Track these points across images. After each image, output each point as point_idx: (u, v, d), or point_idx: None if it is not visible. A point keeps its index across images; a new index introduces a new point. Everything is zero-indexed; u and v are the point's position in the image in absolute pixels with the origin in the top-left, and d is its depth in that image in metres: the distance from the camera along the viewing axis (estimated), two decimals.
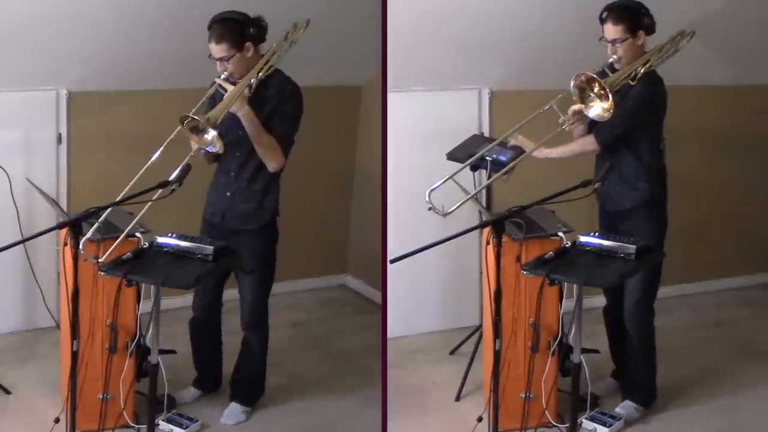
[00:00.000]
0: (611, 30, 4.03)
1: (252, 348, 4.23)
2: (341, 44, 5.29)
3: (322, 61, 5.29)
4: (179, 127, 3.73)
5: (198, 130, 3.74)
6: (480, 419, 4.01)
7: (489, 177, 4.39)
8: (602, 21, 4.05)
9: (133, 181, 3.66)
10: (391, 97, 4.56)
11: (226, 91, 3.87)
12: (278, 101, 3.96)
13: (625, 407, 4.24)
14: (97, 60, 4.84)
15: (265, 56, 3.97)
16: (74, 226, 3.58)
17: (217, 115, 3.74)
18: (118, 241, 3.70)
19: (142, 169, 3.69)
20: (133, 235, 3.89)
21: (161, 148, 3.74)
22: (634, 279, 4.09)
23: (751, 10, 5.19)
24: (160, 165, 3.76)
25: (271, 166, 3.98)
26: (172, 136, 3.76)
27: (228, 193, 4.06)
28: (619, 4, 4.05)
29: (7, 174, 4.59)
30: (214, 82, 3.95)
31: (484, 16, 4.74)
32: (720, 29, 5.18)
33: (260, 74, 3.92)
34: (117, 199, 3.60)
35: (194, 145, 3.83)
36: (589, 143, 4.15)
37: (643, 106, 4.04)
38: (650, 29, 4.07)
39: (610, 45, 4.04)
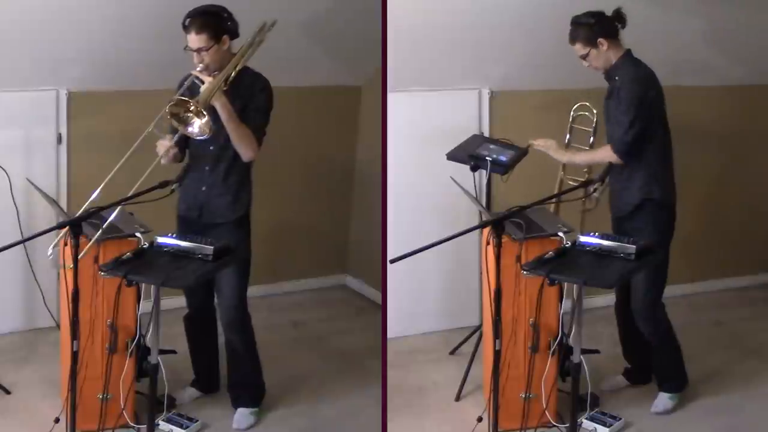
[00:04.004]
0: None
1: (238, 351, 4.22)
2: (341, 44, 5.29)
3: (322, 61, 5.29)
4: (157, 117, 3.77)
5: (180, 119, 3.77)
6: (480, 419, 4.01)
7: (489, 177, 4.41)
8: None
9: (107, 178, 3.69)
10: (391, 97, 4.56)
11: (202, 82, 3.91)
12: (251, 94, 4.01)
13: (661, 401, 4.28)
14: (98, 60, 4.84)
15: (241, 50, 4.02)
16: (74, 226, 3.58)
17: (205, 99, 3.79)
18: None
19: (116, 166, 3.73)
20: (133, 235, 3.90)
21: (135, 144, 3.78)
22: (636, 279, 4.11)
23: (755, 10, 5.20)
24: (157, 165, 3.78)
25: (247, 155, 4.00)
26: (149, 129, 3.79)
27: (203, 188, 4.07)
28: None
29: (7, 174, 4.59)
30: (189, 75, 3.98)
31: (484, 16, 4.74)
32: (723, 29, 5.19)
33: (237, 67, 3.96)
34: (90, 198, 3.63)
35: (162, 146, 3.87)
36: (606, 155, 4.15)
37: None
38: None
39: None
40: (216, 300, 4.23)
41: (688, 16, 5.02)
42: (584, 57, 4.14)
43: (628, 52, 4.13)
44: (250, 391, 4.27)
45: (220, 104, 3.88)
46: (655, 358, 4.34)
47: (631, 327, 4.31)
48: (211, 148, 4.03)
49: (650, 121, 4.07)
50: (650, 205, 4.12)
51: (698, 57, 5.24)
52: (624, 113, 4.03)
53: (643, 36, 4.29)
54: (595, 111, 4.54)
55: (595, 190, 4.11)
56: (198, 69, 3.94)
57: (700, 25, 5.12)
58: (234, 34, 4.01)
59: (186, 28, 3.94)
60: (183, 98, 3.77)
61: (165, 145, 3.93)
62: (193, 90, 3.95)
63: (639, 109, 4.03)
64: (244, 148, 3.98)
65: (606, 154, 4.13)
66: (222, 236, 3.89)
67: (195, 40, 3.92)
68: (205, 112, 3.75)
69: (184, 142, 4.05)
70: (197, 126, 3.77)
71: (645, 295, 4.16)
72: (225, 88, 3.92)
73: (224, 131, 3.93)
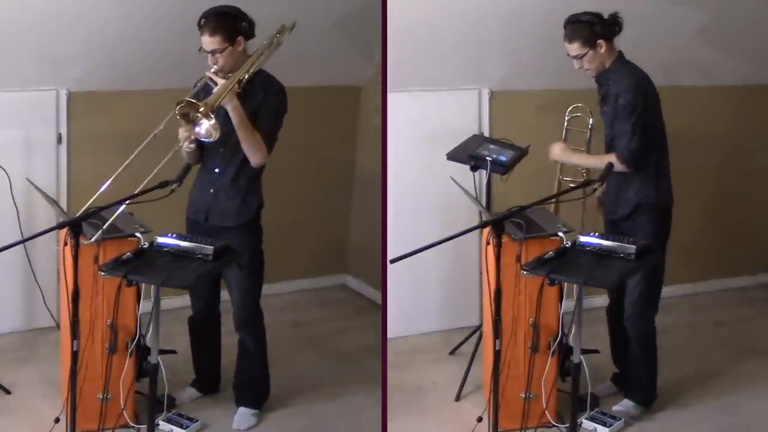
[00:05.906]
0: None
1: (249, 350, 4.22)
2: (341, 44, 5.29)
3: (322, 61, 5.29)
4: (168, 117, 3.74)
5: (189, 120, 3.75)
6: (480, 419, 4.01)
7: (489, 177, 4.41)
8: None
9: (111, 179, 3.70)
10: (391, 97, 4.56)
11: (215, 84, 3.89)
12: (263, 97, 3.98)
13: (624, 406, 4.24)
14: (97, 59, 4.84)
15: (256, 52, 3.99)
16: (74, 226, 3.58)
17: (213, 102, 3.76)
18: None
19: (121, 167, 3.73)
20: (133, 235, 3.90)
21: (146, 141, 3.76)
22: (633, 278, 4.10)
23: (757, 9, 5.21)
24: (155, 164, 3.78)
25: (255, 159, 3.96)
26: (160, 127, 3.77)
27: (211, 190, 4.06)
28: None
29: (7, 174, 4.59)
30: (204, 76, 3.96)
31: (484, 16, 4.74)
32: (725, 29, 5.19)
33: (250, 70, 3.93)
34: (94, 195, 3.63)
35: (182, 134, 3.85)
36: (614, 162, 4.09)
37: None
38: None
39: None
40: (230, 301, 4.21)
41: (687, 15, 5.03)
42: (579, 57, 4.09)
43: (621, 56, 4.11)
44: (254, 391, 4.26)
45: (231, 106, 3.85)
46: (629, 366, 4.29)
47: (622, 331, 4.29)
48: (221, 150, 4.01)
49: (649, 127, 4.06)
50: (646, 208, 4.11)
51: (697, 57, 5.24)
52: (626, 121, 4.02)
53: (642, 36, 4.29)
54: (590, 112, 4.52)
55: (595, 190, 4.10)
56: (212, 70, 3.91)
57: (700, 24, 5.11)
58: (249, 35, 3.97)
59: (200, 30, 3.91)
60: (191, 100, 3.74)
61: (184, 133, 3.85)
62: (206, 91, 3.93)
63: (640, 116, 4.01)
64: (252, 152, 3.94)
65: (614, 161, 4.07)
66: (229, 241, 3.88)
67: (209, 42, 3.89)
68: (212, 115, 3.73)
69: (200, 143, 4.05)
70: (204, 128, 3.75)
71: (638, 297, 4.15)
72: (238, 91, 3.89)
73: (235, 134, 3.91)
